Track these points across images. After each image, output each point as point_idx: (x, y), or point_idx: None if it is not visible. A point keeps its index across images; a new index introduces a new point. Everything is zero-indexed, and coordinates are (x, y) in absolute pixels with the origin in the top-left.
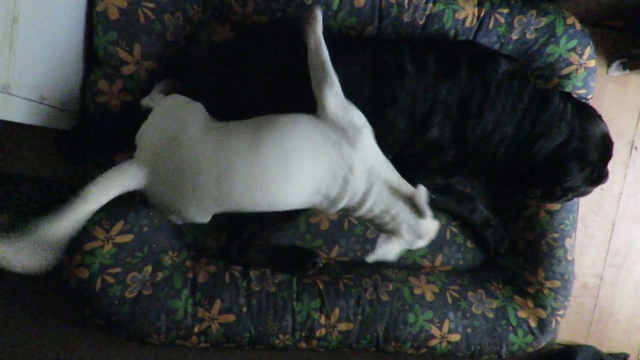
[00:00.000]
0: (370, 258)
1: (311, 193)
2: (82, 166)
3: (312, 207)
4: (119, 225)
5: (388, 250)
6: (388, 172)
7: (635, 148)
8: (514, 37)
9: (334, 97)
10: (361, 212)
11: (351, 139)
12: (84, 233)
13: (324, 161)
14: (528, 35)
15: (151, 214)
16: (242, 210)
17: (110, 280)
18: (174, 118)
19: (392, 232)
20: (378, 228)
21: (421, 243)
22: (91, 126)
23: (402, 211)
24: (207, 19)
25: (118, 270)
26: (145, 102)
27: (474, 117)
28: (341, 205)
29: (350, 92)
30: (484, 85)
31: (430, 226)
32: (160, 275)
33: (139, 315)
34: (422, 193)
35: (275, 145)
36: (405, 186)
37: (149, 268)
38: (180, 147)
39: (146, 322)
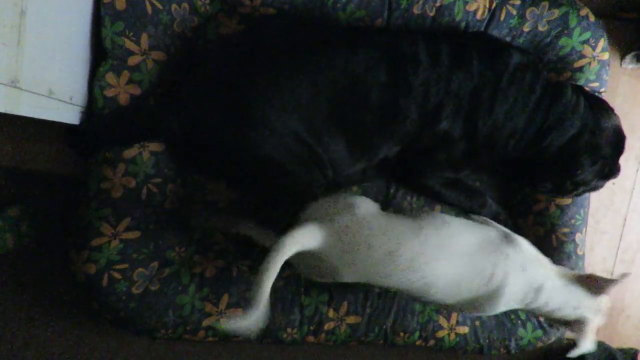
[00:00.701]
0: (575, 353)
1: (464, 283)
2: (91, 161)
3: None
4: (126, 222)
5: (588, 343)
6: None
7: None
8: (526, 29)
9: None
10: (535, 305)
11: (507, 241)
12: (91, 229)
13: (479, 257)
14: (540, 28)
15: (158, 210)
16: (395, 287)
17: (117, 276)
18: (346, 202)
19: (575, 322)
20: (559, 322)
21: (601, 318)
22: (100, 120)
23: (581, 298)
24: (215, 12)
25: (125, 266)
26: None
27: (485, 109)
28: (504, 299)
29: (368, 76)
30: (495, 77)
31: (604, 299)
32: (167, 271)
33: (146, 310)
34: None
35: (434, 233)
36: (574, 273)
37: (156, 264)
38: (358, 225)
39: (153, 318)
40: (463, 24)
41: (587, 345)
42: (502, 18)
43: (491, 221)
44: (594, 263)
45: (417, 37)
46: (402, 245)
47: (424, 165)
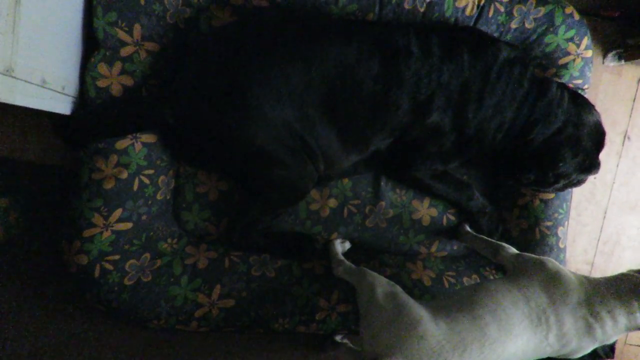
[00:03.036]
0: None
1: (529, 339)
2: (82, 151)
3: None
4: (118, 213)
5: None
6: (604, 290)
7: (628, 138)
8: (513, 26)
9: (513, 256)
10: (608, 335)
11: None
12: (83, 220)
13: (529, 307)
14: (527, 25)
15: (150, 202)
16: None
17: (109, 267)
18: (403, 318)
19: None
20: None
21: None
22: (92, 111)
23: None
24: (207, 3)
25: (117, 257)
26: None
27: (474, 102)
28: (574, 340)
29: (361, 67)
30: (485, 70)
31: None
32: (159, 262)
33: (138, 301)
34: None
35: (486, 306)
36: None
37: (148, 255)
38: (424, 341)
39: (146, 308)
40: (452, 20)
41: None
42: (490, 15)
43: (511, 249)
44: (575, 255)
45: (409, 30)
46: (466, 337)
47: (414, 158)
